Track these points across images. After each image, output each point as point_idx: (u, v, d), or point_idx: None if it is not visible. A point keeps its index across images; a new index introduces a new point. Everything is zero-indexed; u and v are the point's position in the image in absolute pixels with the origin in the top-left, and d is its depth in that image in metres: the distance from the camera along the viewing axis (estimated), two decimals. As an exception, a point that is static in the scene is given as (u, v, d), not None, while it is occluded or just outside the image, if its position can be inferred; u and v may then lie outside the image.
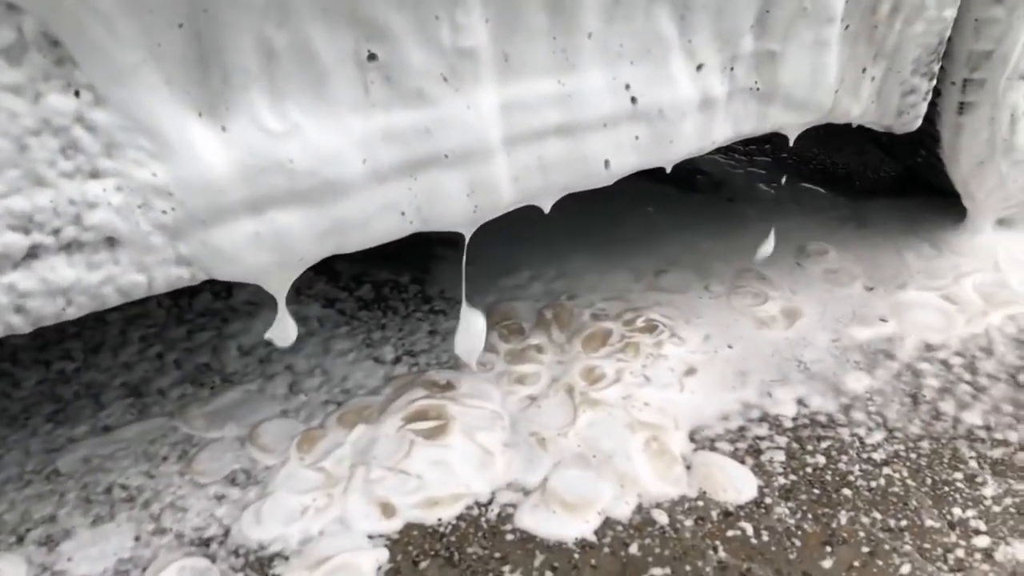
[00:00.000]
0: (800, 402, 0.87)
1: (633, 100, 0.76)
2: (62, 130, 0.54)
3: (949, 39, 0.92)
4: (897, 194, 1.30)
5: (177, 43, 0.56)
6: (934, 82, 0.91)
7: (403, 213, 0.69)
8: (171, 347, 0.97)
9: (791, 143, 0.91)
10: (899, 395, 0.88)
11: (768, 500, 0.75)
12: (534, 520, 0.73)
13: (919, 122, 0.95)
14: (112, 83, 0.55)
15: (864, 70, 0.88)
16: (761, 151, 1.46)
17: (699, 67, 0.77)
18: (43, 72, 0.53)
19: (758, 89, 0.83)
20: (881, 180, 1.36)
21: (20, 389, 0.91)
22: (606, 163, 0.78)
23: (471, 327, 0.85)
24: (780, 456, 0.80)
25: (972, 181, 1.06)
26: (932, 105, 0.98)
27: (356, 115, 0.63)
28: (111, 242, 0.58)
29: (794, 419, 0.85)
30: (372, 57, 0.62)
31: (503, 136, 0.72)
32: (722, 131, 0.84)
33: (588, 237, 1.17)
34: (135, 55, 0.55)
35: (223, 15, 0.57)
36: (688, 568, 0.68)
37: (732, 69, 0.80)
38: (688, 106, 0.79)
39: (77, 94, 0.54)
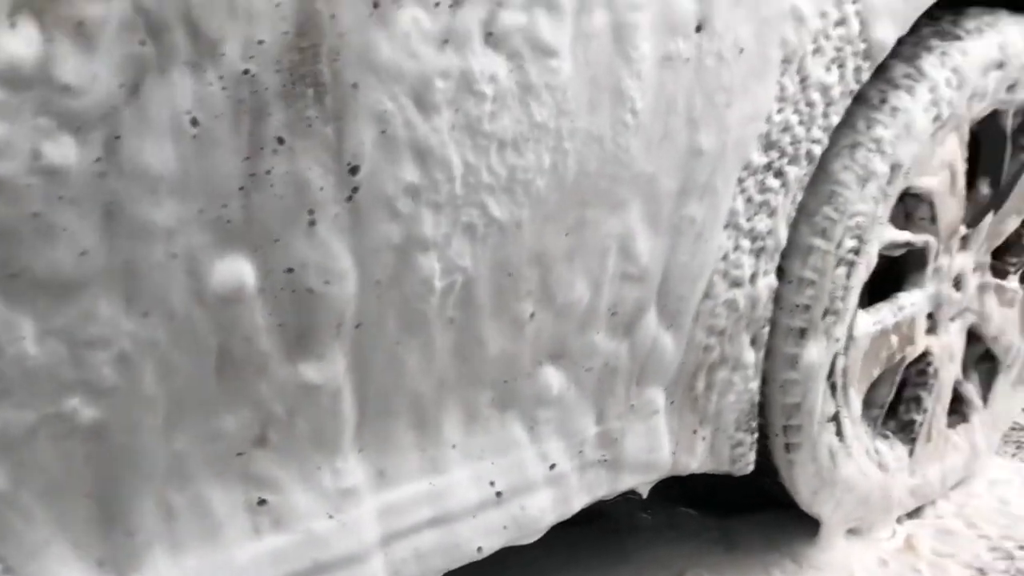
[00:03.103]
0: None
1: (498, 495, 0.88)
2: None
3: (765, 395, 1.09)
4: (762, 508, 1.43)
5: (84, 510, 0.65)
6: (756, 434, 1.07)
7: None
8: None
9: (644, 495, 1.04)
10: None
11: None
12: None
13: (751, 466, 1.09)
14: (24, 558, 0.63)
15: (695, 432, 1.03)
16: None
17: (552, 466, 0.90)
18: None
19: (606, 460, 0.97)
20: (747, 495, 1.49)
21: None
22: (478, 548, 0.87)
23: None
24: None
25: (813, 505, 1.20)
26: (767, 445, 1.14)
27: (246, 551, 0.72)
28: None
29: None
30: (262, 502, 0.72)
31: (380, 537, 0.81)
32: (579, 499, 0.96)
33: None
34: (46, 531, 0.63)
35: (127, 482, 0.66)
36: None
37: (581, 452, 0.94)
38: (545, 492, 0.91)
39: (-9, 568, 0.62)
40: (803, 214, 1.02)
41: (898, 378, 1.24)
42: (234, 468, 0.72)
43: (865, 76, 0.96)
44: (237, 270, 0.63)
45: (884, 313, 1.17)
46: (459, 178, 0.71)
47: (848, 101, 0.95)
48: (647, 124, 0.80)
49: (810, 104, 0.92)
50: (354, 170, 0.65)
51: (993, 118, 1.19)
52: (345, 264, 0.68)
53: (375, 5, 0.62)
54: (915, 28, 1.08)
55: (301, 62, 0.60)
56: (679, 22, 0.79)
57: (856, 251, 1.04)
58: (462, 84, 0.68)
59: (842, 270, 1.04)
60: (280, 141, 0.61)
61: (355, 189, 0.66)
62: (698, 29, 0.80)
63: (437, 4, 0.65)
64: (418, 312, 0.75)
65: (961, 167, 1.16)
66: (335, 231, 0.66)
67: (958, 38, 1.08)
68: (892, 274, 1.24)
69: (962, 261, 1.26)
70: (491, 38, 0.68)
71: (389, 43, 0.63)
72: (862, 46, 0.93)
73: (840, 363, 1.11)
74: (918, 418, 1.29)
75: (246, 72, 0.58)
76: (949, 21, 1.10)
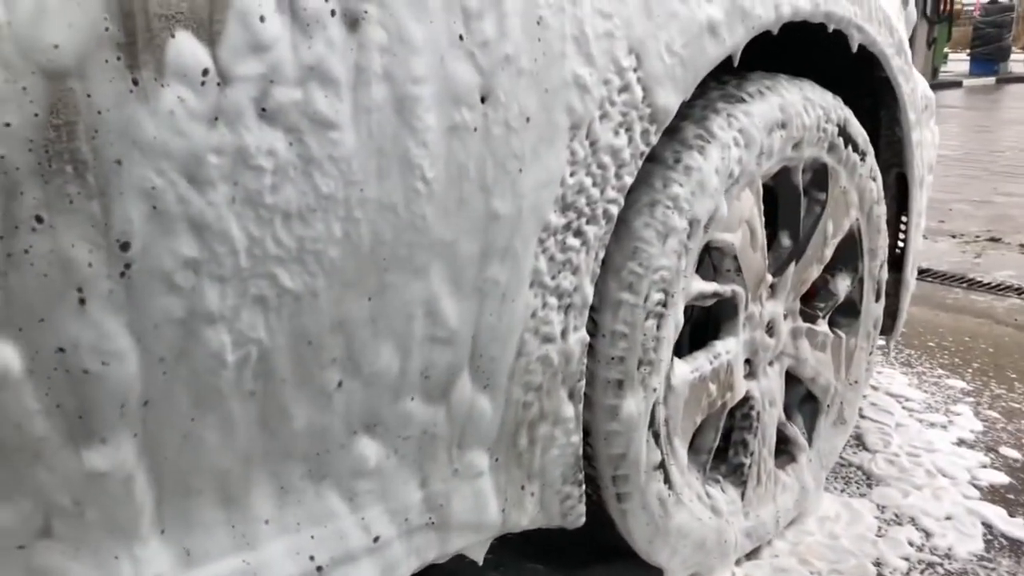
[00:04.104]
0: None
1: (319, 569, 0.86)
2: None
3: (592, 447, 1.12)
4: (610, 560, 1.44)
5: None
6: (583, 487, 1.09)
7: None
8: None
9: (480, 561, 1.04)
10: None
11: None
12: None
13: (583, 518, 1.11)
14: None
15: (522, 487, 1.04)
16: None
17: (376, 537, 0.90)
18: None
19: (433, 524, 0.96)
20: (593, 548, 1.51)
21: None
22: (298, 628, 0.85)
23: None
24: None
25: (651, 554, 1.22)
26: (600, 496, 1.16)
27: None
28: None
29: None
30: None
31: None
32: (408, 565, 0.95)
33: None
34: None
35: None
36: None
37: (407, 519, 0.93)
38: (369, 561, 0.90)
39: None
40: (610, 270, 1.07)
41: (722, 423, 1.30)
42: (16, 562, 0.68)
43: (654, 139, 1.02)
44: (-1, 353, 0.61)
45: (701, 361, 1.23)
46: (243, 251, 0.71)
47: (640, 162, 1.01)
48: (440, 192, 0.83)
49: (602, 167, 0.97)
50: (125, 246, 0.65)
51: (785, 174, 1.29)
52: (123, 342, 0.67)
53: (135, 82, 0.62)
54: (703, 91, 1.17)
55: (56, 139, 0.60)
56: (463, 93, 0.82)
57: (663, 303, 1.10)
58: (238, 159, 0.69)
59: (652, 322, 1.09)
60: (39, 219, 0.61)
61: (128, 265, 0.65)
62: (483, 100, 0.84)
63: (204, 83, 0.66)
64: (211, 387, 0.74)
65: (759, 221, 1.24)
66: (109, 309, 0.65)
67: (743, 100, 1.17)
68: (710, 323, 1.31)
69: (772, 308, 1.34)
70: (265, 113, 0.70)
71: (153, 120, 0.63)
72: (647, 111, 1.00)
73: (661, 412, 1.15)
74: (746, 461, 1.35)
75: (-6, 154, 0.57)
76: (734, 85, 1.20)
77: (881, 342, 1.86)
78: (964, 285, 2.95)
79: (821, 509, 1.51)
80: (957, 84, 12.68)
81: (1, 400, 0.63)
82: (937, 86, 10.78)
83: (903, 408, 1.97)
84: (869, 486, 1.64)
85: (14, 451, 0.65)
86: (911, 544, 1.44)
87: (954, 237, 3.70)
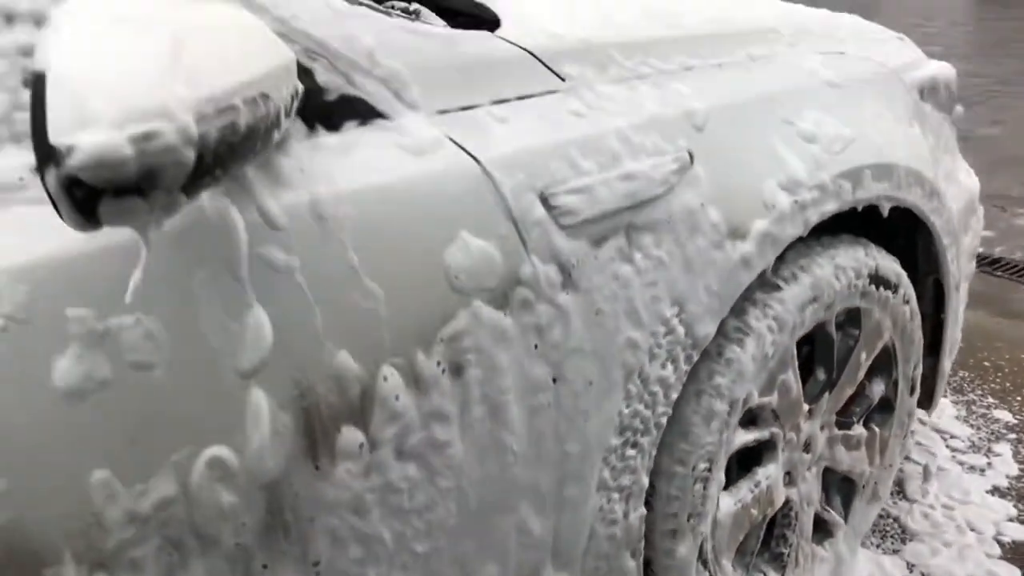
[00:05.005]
0: None
1: None
2: None
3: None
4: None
5: None
6: (645, 611, 1.40)
7: None
8: None
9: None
10: None
11: None
12: None
13: (646, 631, 1.42)
14: None
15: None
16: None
17: None
18: None
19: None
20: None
21: None
22: None
23: None
24: None
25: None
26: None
27: None
28: None
29: None
30: None
31: None
32: None
33: None
34: None
35: None
36: None
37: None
38: None
39: None
40: (664, 447, 1.33)
41: (763, 530, 1.57)
42: None
43: (696, 356, 1.26)
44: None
45: (743, 492, 1.49)
46: (391, 541, 1.01)
47: (685, 379, 1.26)
48: (525, 454, 1.11)
49: (652, 394, 1.22)
50: (316, 563, 0.96)
51: (819, 327, 1.51)
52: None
53: (316, 467, 0.92)
54: (742, 286, 1.39)
55: (267, 514, 0.91)
56: (539, 384, 1.09)
57: (709, 469, 1.36)
58: (386, 489, 0.98)
59: (699, 485, 1.36)
60: (264, 567, 0.92)
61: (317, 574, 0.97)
62: (554, 381, 1.11)
63: (360, 453, 0.95)
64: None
65: (794, 379, 1.47)
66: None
67: (777, 288, 1.39)
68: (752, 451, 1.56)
69: (810, 428, 1.59)
70: (401, 455, 0.99)
71: (332, 488, 0.93)
72: (689, 342, 1.24)
73: (708, 544, 1.43)
74: (786, 551, 1.62)
75: None
76: (770, 270, 1.41)
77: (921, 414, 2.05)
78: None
79: (855, 571, 1.78)
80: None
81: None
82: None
83: (947, 447, 2.19)
84: (903, 541, 1.89)
85: None
86: (932, 607, 1.71)
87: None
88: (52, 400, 0.76)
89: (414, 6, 1.31)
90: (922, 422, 2.28)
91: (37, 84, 0.58)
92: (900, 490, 2.04)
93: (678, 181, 1.18)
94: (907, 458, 2.13)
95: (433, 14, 1.29)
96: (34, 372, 0.76)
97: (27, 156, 0.79)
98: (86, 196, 0.59)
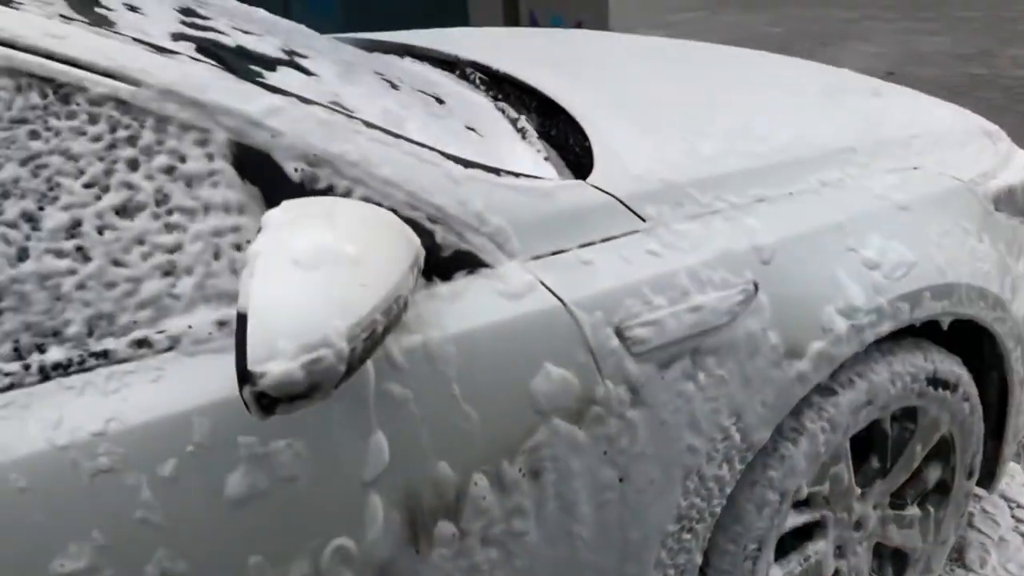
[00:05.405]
0: None
1: None
2: None
3: (702, 631, 1.60)
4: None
5: None
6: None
7: None
8: None
9: None
10: None
11: None
12: None
13: None
14: None
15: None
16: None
17: None
18: None
19: None
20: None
21: None
22: None
23: None
24: None
25: None
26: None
27: None
28: None
29: None
30: None
31: None
32: None
33: None
34: None
35: None
36: None
37: None
38: None
39: None
40: (718, 528, 1.51)
41: (812, 598, 1.73)
42: None
43: (750, 458, 1.43)
44: None
45: (793, 565, 1.65)
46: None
47: (739, 476, 1.43)
48: (591, 539, 1.31)
49: (708, 490, 1.40)
50: None
51: (874, 423, 1.64)
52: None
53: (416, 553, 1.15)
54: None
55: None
56: (607, 485, 1.29)
57: (759, 549, 1.53)
58: (471, 572, 1.20)
59: (749, 563, 1.53)
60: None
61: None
62: (620, 480, 1.30)
63: (453, 541, 1.17)
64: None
65: (846, 471, 1.62)
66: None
67: (833, 392, 1.53)
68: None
69: (862, 509, 1.73)
70: (486, 542, 1.20)
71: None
72: (744, 447, 1.41)
73: (758, 613, 1.61)
74: (834, 617, 1.78)
75: None
76: (829, 376, 1.55)
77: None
78: None
79: (904, 635, 1.91)
80: None
81: None
82: None
83: (1011, 517, 2.26)
84: (956, 611, 2.01)
85: None
86: None
87: None
88: (223, 505, 1.01)
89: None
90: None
91: (240, 322, 0.82)
92: (959, 557, 2.15)
93: (742, 311, 1.35)
94: (970, 524, 2.23)
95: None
96: (213, 485, 1.01)
97: (214, 313, 1.04)
98: (271, 402, 0.83)
